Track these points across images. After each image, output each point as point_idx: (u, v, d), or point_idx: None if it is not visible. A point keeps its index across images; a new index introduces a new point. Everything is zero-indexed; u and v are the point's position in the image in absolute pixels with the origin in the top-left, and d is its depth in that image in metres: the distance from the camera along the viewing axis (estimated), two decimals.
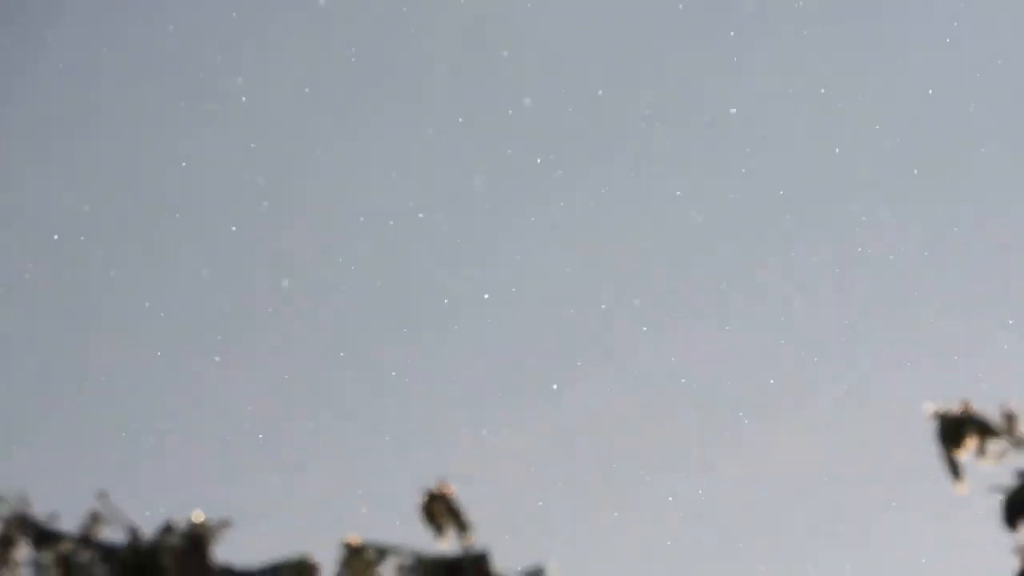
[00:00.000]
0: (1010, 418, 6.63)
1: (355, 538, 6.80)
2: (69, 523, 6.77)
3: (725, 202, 17.46)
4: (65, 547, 6.85)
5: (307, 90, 17.63)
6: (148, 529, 6.76)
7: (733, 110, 17.27)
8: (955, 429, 6.90)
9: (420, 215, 16.95)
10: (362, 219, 17.17)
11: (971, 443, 6.86)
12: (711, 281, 17.38)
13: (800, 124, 17.44)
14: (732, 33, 17.18)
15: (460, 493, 6.76)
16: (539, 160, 17.21)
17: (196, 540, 6.68)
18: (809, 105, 17.73)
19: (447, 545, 6.95)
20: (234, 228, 17.45)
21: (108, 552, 6.83)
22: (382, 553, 6.88)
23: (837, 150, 17.54)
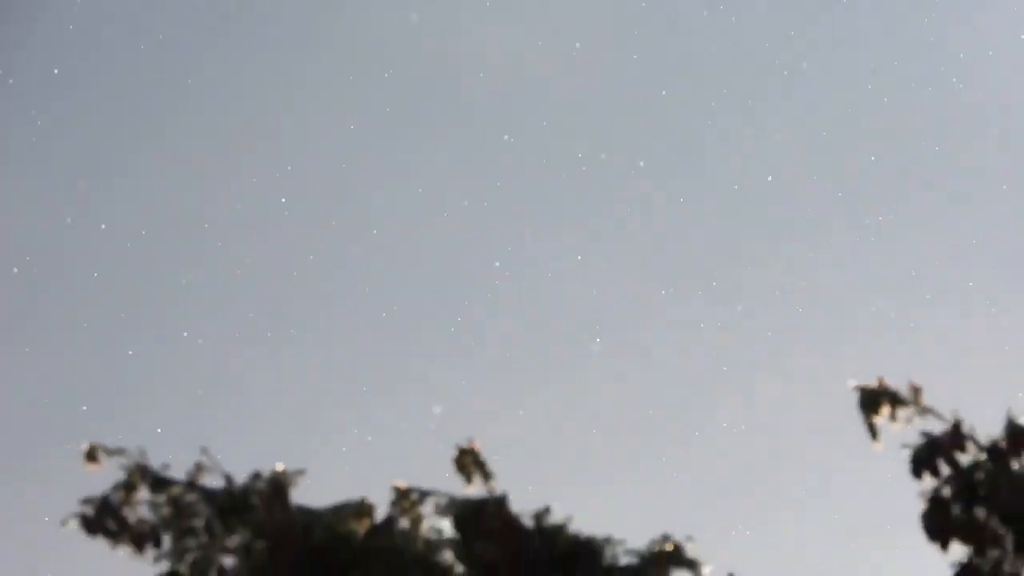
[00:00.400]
0: (916, 391, 8.25)
1: (402, 483, 8.41)
2: (178, 472, 8.37)
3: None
4: (175, 491, 8.39)
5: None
6: (240, 476, 8.38)
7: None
8: (873, 399, 8.44)
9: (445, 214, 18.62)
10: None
11: (885, 411, 8.43)
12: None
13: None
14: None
15: (483, 448, 8.37)
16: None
17: (278, 485, 8.28)
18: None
19: (474, 490, 8.45)
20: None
21: (209, 495, 8.37)
22: (423, 495, 8.37)
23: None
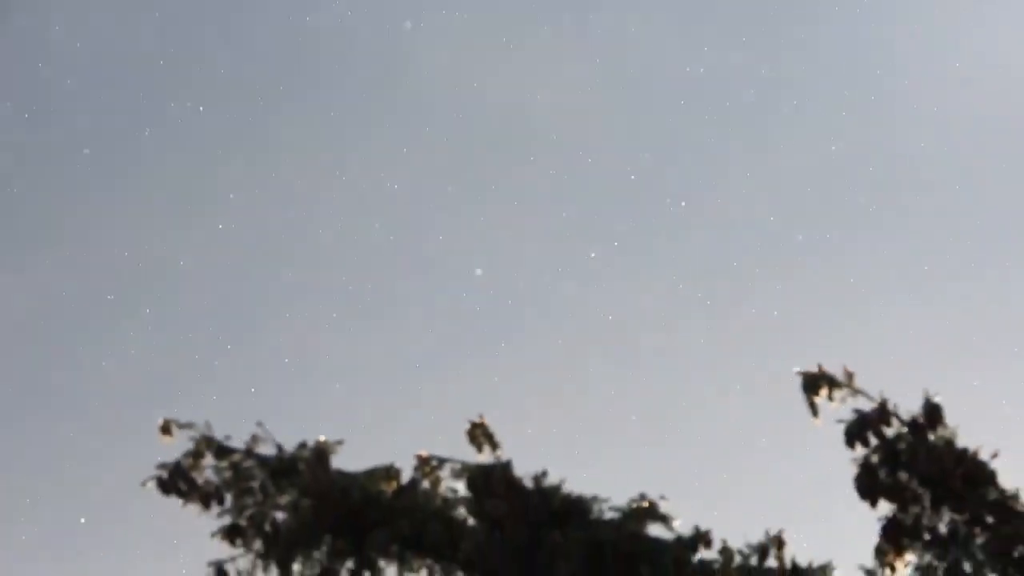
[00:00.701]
0: (849, 375, 9.74)
1: (424, 452, 9.94)
2: (238, 442, 9.93)
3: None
4: (235, 458, 10.00)
5: None
6: (289, 446, 9.92)
7: None
8: (814, 382, 9.89)
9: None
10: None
11: (824, 392, 9.91)
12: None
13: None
14: None
15: (491, 422, 9.89)
16: None
17: (321, 453, 9.84)
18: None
19: (483, 457, 9.97)
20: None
21: (263, 461, 9.96)
22: (441, 462, 9.94)
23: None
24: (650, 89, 21.03)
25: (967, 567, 10.52)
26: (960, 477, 10.53)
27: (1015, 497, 10.53)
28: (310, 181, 20.98)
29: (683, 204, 20.45)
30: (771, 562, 10.60)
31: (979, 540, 10.47)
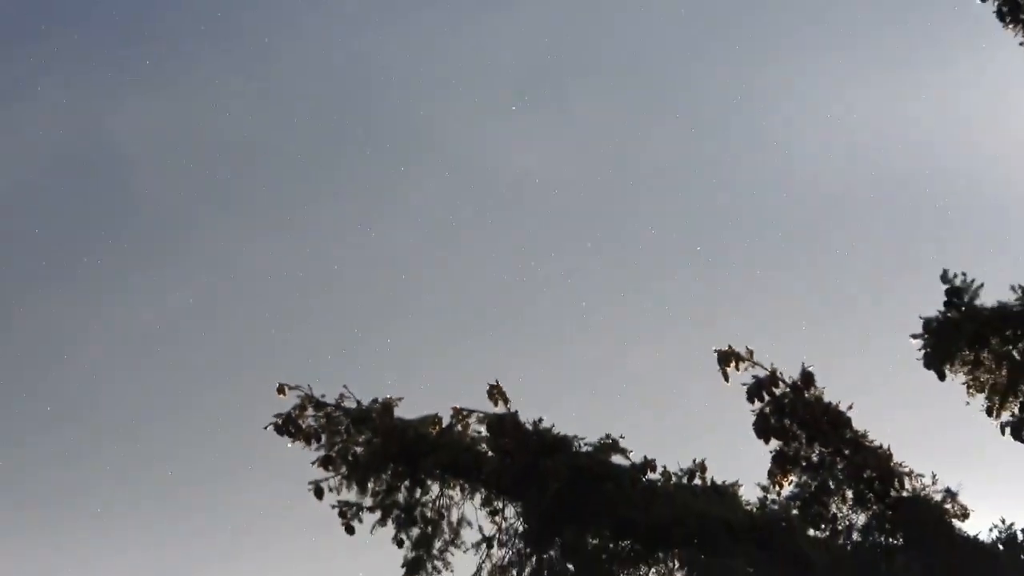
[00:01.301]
0: (750, 352, 12.79)
1: (457, 406, 13.27)
2: (330, 398, 13.36)
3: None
4: (328, 410, 13.40)
5: None
6: (365, 401, 13.33)
7: None
8: (726, 357, 13.07)
9: None
10: None
11: (732, 363, 13.09)
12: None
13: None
14: None
15: (504, 385, 13.17)
16: None
17: (386, 406, 13.17)
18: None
19: (498, 409, 13.34)
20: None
21: (347, 412, 13.35)
22: (470, 412, 13.35)
23: None
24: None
25: (831, 485, 13.73)
26: (826, 422, 13.70)
27: (864, 436, 14.04)
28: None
29: (641, 222, 24.41)
30: (696, 481, 13.89)
31: (840, 466, 13.73)
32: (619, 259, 23.80)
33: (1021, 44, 15.44)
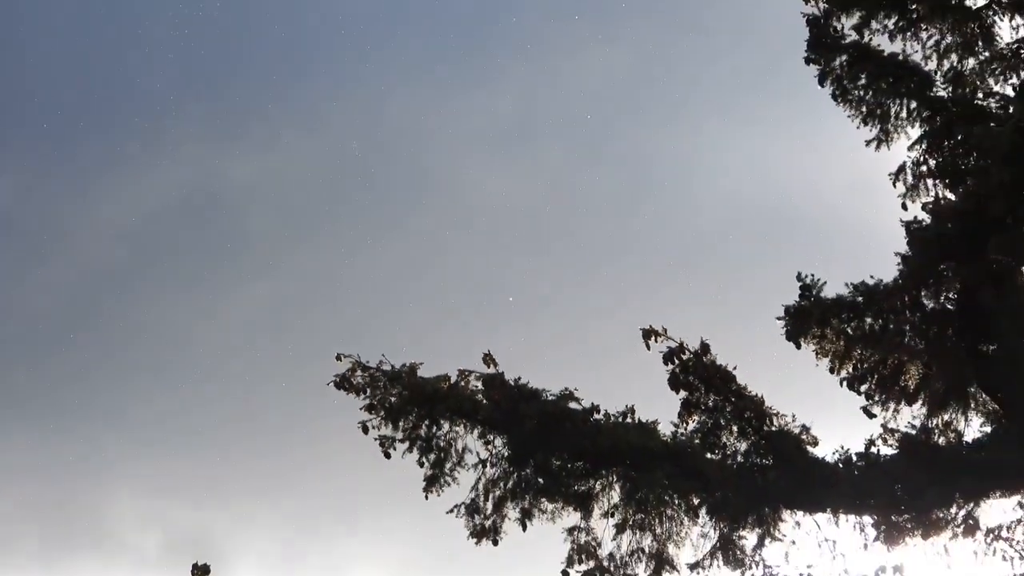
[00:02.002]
0: (664, 329, 16.12)
1: (461, 368, 16.11)
2: (372, 362, 15.99)
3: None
4: (371, 371, 16.10)
5: None
6: (396, 364, 16.06)
7: None
8: (648, 334, 16.17)
9: None
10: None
11: (653, 338, 16.21)
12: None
13: None
14: None
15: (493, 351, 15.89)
16: None
17: (412, 368, 16.23)
18: None
19: (490, 370, 16.23)
20: None
21: (384, 372, 16.10)
22: (469, 373, 16.29)
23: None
24: None
25: (722, 423, 16.42)
26: (718, 379, 16.47)
27: (745, 388, 16.52)
28: None
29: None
30: (628, 420, 16.42)
31: (728, 409, 16.47)
32: (576, 261, 28.92)
33: (847, 116, 18.27)
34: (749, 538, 16.60)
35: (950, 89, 18.16)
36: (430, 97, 29.98)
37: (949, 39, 18.19)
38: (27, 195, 31.35)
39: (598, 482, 16.62)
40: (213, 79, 30.92)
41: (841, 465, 16.58)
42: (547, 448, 16.45)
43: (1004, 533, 16.64)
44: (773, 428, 16.66)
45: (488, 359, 16.62)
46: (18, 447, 29.36)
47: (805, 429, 16.70)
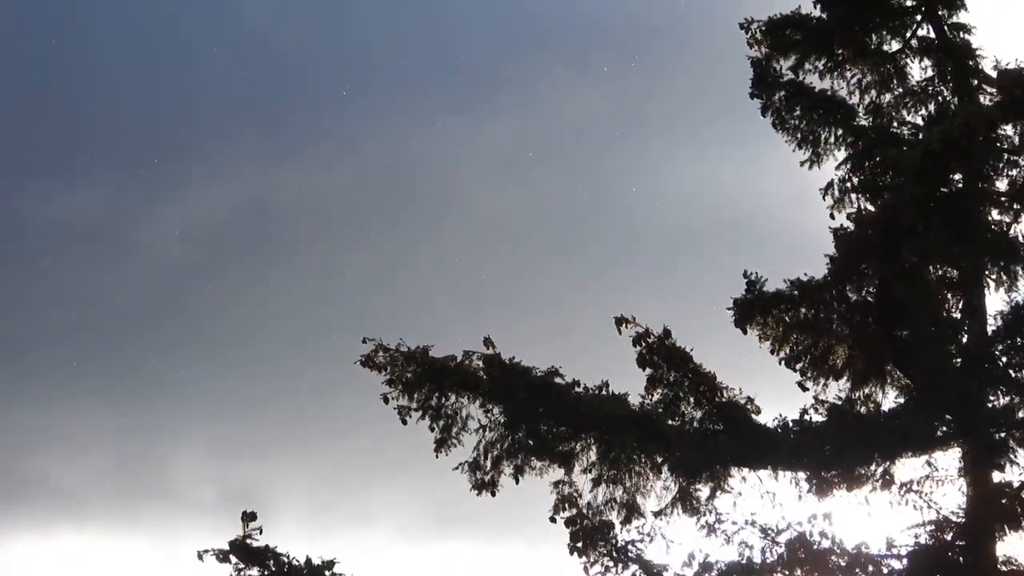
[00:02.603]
0: (633, 318, 16.48)
1: (465, 349, 16.48)
2: (392, 345, 16.40)
3: None
4: (391, 352, 16.47)
5: None
6: (412, 346, 16.49)
7: None
8: (620, 321, 16.50)
9: None
10: None
11: (624, 324, 16.62)
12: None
13: None
14: None
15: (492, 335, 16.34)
16: None
17: (425, 350, 16.48)
18: None
19: (489, 351, 16.54)
20: None
21: (401, 353, 16.53)
22: (473, 353, 16.47)
23: None
24: None
25: (681, 395, 16.77)
26: (677, 358, 16.78)
27: (700, 366, 16.82)
28: None
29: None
30: (604, 392, 16.63)
31: (686, 384, 16.78)
32: (564, 261, 30.86)
33: (786, 141, 18.58)
34: (703, 490, 17.03)
35: (870, 119, 18.70)
36: (445, 129, 32.18)
37: (869, 78, 18.72)
38: (112, 205, 33.82)
39: (578, 444, 16.94)
40: (264, 110, 33.59)
41: (780, 430, 17.05)
42: (536, 416, 16.78)
43: (914, 487, 17.13)
44: (723, 399, 17.05)
45: (487, 342, 16.93)
46: (102, 417, 31.80)
47: (750, 400, 17.13)
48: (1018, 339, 16.96)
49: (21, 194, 33.27)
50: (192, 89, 33.44)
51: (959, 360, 17.16)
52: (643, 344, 16.95)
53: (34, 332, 31.95)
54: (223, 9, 33.94)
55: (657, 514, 16.77)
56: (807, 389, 17.24)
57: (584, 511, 16.60)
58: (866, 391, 17.47)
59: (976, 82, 18.05)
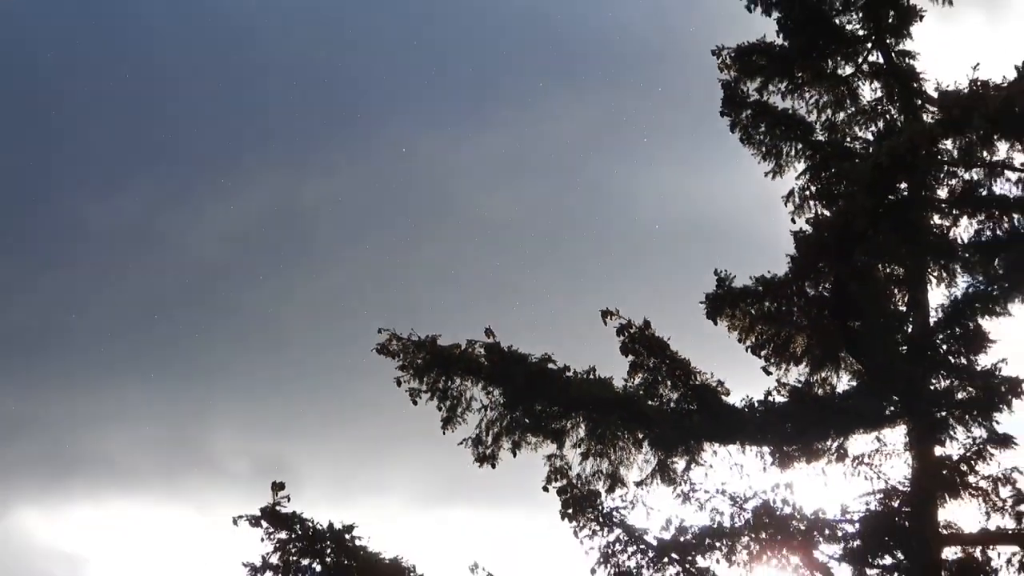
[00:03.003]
0: (617, 311, 16.78)
1: (468, 338, 16.68)
2: (404, 334, 16.78)
3: None
4: (403, 340, 16.63)
5: None
6: (422, 335, 16.79)
7: None
8: (605, 314, 16.89)
9: None
10: None
11: (609, 316, 16.91)
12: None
13: None
14: None
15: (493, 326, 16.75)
16: None
17: (433, 339, 16.72)
18: None
19: (490, 340, 16.65)
20: None
21: (413, 342, 16.71)
22: (475, 342, 16.66)
23: None
24: None
25: (659, 378, 16.93)
26: (656, 346, 17.01)
27: (676, 352, 17.01)
28: None
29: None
30: (591, 376, 16.72)
31: (663, 368, 16.94)
32: (556, 260, 31.92)
33: (752, 154, 18.59)
34: (679, 463, 17.19)
35: (826, 135, 18.90)
36: (447, 140, 33.74)
37: (825, 98, 18.96)
38: (158, 209, 35.33)
39: (569, 422, 17.03)
40: (291, 126, 35.36)
41: (747, 409, 17.25)
42: (531, 397, 16.88)
43: (865, 459, 17.38)
44: (697, 382, 17.21)
45: (488, 332, 17.13)
46: (151, 399, 33.28)
47: (720, 383, 17.34)
48: (956, 329, 17.20)
49: (80, 200, 34.95)
50: (230, 108, 35.36)
51: (905, 348, 17.41)
52: (626, 334, 17.18)
53: (92, 324, 33.99)
54: (257, 41, 35.63)
55: (638, 484, 16.92)
56: (770, 373, 17.42)
57: (574, 481, 16.76)
58: (823, 375, 17.61)
59: (920, 102, 18.36)
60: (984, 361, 16.97)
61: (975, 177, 17.67)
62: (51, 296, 34.10)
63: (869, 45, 18.63)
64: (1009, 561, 16.43)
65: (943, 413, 16.68)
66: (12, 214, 34.35)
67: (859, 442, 17.20)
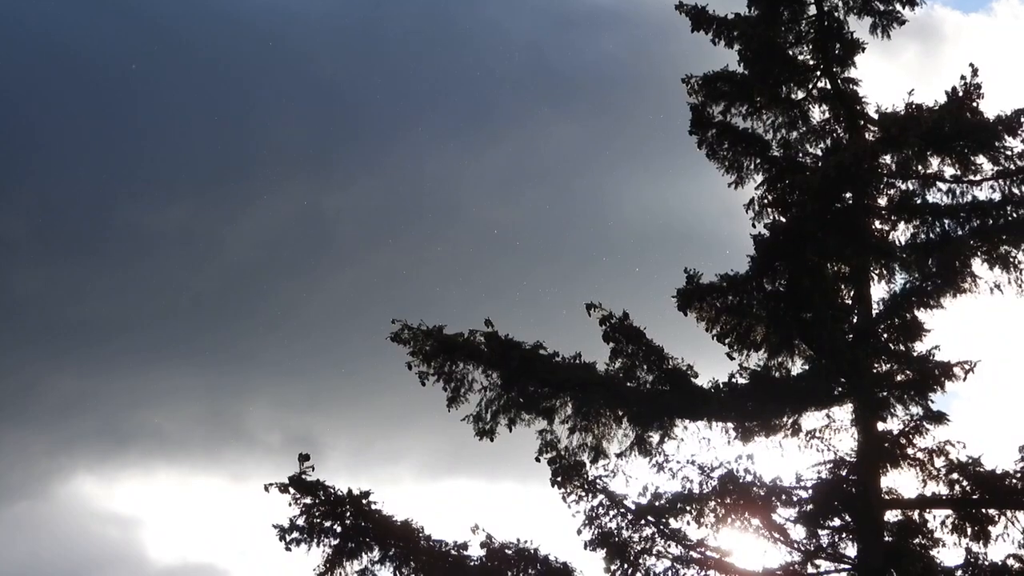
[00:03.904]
0: (600, 305, 16.96)
1: (470, 328, 16.51)
2: (415, 324, 16.50)
3: None
4: (415, 330, 16.19)
5: None
6: (430, 325, 16.37)
7: None
8: (590, 306, 16.69)
9: None
10: None
11: (593, 309, 16.70)
12: None
13: None
14: None
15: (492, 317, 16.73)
16: None
17: (439, 329, 16.46)
18: None
19: (488, 329, 16.33)
20: None
21: (422, 331, 16.26)
22: (476, 331, 16.37)
23: None
24: None
25: (636, 363, 16.42)
26: (634, 335, 16.54)
27: (652, 340, 16.53)
28: None
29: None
30: (577, 361, 16.28)
31: (641, 354, 16.42)
32: (550, 259, 31.69)
33: (717, 168, 18.16)
34: (654, 437, 16.80)
35: (781, 151, 18.61)
36: (454, 155, 34.61)
37: (780, 119, 18.65)
38: (197, 215, 35.36)
39: (557, 401, 16.64)
40: (318, 142, 35.39)
41: (713, 390, 16.92)
42: (525, 379, 16.54)
43: (817, 434, 17.03)
44: (669, 366, 16.88)
45: (488, 323, 16.84)
46: (194, 379, 33.47)
47: (690, 367, 17.00)
48: (896, 320, 16.94)
49: (131, 206, 35.19)
50: (265, 125, 35.78)
51: (851, 336, 17.08)
52: (607, 324, 16.90)
53: (144, 314, 34.17)
54: (286, 61, 35.75)
55: (619, 455, 16.62)
56: (734, 358, 17.02)
57: (562, 453, 16.45)
58: (779, 360, 17.24)
59: (862, 122, 18.24)
60: (920, 348, 16.87)
61: (911, 187, 17.77)
62: (111, 290, 34.62)
63: (818, 73, 18.56)
64: (943, 523, 16.34)
65: (884, 393, 16.47)
66: (82, 222, 34.71)
67: (811, 418, 17.04)
